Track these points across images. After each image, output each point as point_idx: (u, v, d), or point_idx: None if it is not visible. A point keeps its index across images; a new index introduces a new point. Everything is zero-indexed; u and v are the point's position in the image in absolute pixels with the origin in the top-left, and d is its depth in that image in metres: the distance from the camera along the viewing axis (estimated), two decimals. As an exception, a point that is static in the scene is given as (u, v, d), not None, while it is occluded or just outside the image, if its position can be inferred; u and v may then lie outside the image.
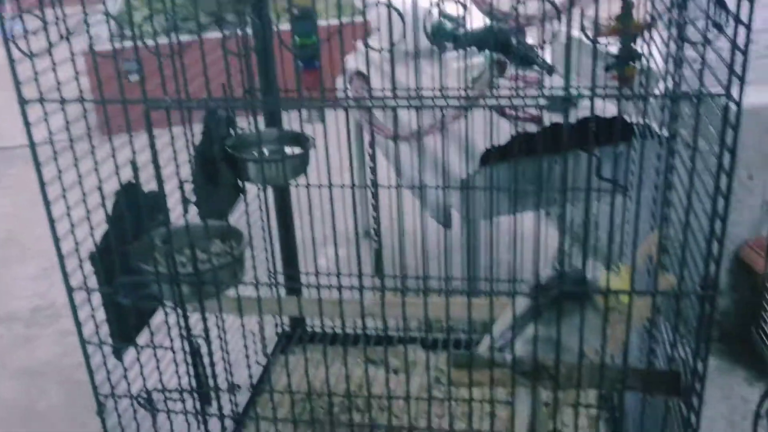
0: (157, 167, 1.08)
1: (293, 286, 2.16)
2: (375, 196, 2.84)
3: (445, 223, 2.47)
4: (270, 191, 2.14)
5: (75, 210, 1.18)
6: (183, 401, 1.18)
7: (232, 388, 1.10)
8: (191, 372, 1.22)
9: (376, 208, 2.86)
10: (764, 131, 2.47)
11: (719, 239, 0.91)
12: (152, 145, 1.06)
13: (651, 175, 1.51)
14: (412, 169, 2.28)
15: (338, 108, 1.15)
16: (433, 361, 2.16)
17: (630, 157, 1.86)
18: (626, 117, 1.79)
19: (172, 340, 1.14)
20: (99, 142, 1.23)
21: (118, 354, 1.26)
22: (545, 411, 1.27)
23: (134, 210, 1.23)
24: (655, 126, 1.62)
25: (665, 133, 1.40)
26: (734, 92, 0.85)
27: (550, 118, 2.25)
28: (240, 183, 1.74)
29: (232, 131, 1.69)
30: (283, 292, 2.15)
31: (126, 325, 1.22)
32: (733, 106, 0.83)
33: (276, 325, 2.20)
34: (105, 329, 1.28)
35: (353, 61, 2.89)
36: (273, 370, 1.97)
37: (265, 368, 2.01)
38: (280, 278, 2.19)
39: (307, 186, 1.74)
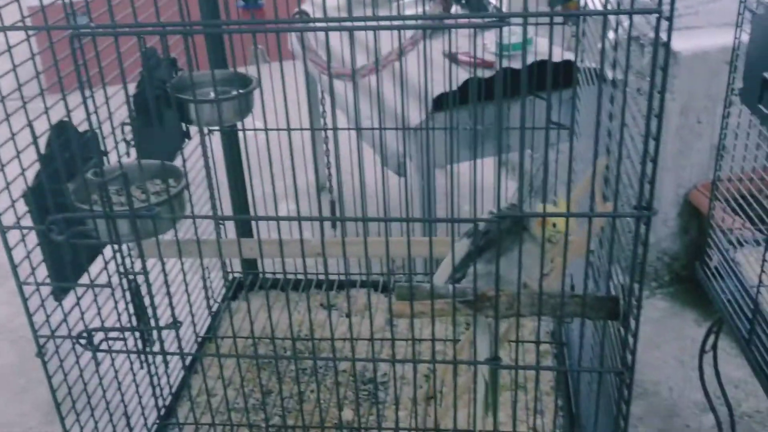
0: (85, 104, 1.05)
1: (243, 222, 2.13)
2: (331, 141, 2.82)
3: (399, 171, 2.47)
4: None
5: (4, 149, 1.15)
6: (125, 340, 1.17)
7: (175, 324, 1.09)
8: (132, 311, 1.20)
9: (329, 155, 2.85)
10: (712, 75, 2.50)
11: (653, 159, 0.92)
12: (79, 80, 1.02)
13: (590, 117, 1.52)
14: (371, 119, 2.26)
15: (281, 32, 1.13)
16: (385, 304, 2.18)
17: (577, 101, 1.86)
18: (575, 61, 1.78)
19: (110, 278, 1.12)
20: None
21: (58, 296, 1.23)
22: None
23: (68, 149, 1.20)
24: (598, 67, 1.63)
25: (610, 74, 1.41)
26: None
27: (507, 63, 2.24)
28: (184, 127, 1.71)
29: (174, 73, 1.66)
30: (232, 235, 2.14)
31: (64, 267, 1.20)
32: (664, 23, 0.83)
33: (228, 272, 2.19)
34: (44, 272, 1.26)
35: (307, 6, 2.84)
36: (223, 315, 1.97)
37: (215, 313, 2.00)
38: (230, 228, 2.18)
39: (255, 130, 1.72)
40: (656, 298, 2.78)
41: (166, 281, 1.10)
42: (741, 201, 1.79)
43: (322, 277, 2.25)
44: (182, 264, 1.13)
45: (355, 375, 1.18)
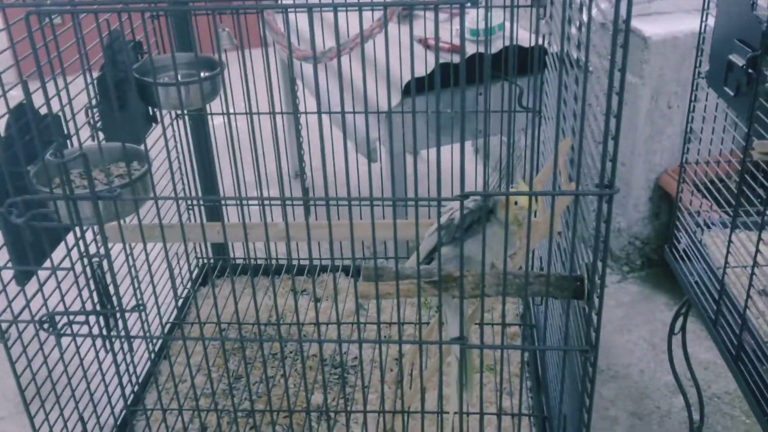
0: (44, 86, 1.03)
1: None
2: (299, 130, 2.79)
3: (370, 156, 2.46)
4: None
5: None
6: (88, 324, 1.15)
7: (138, 307, 1.08)
8: (95, 295, 1.19)
9: (299, 144, 2.83)
10: (681, 60, 2.51)
11: (614, 137, 0.92)
12: (37, 62, 1.00)
13: (567, 101, 1.52)
14: (342, 104, 2.25)
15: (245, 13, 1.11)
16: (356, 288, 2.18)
17: (545, 85, 1.87)
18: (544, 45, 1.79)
19: (72, 263, 1.11)
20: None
21: (20, 281, 1.22)
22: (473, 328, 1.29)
23: (29, 132, 1.18)
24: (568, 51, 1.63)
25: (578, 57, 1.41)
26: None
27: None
28: (151, 111, 1.69)
29: (138, 57, 1.64)
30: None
31: (26, 251, 1.18)
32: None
33: (197, 258, 2.18)
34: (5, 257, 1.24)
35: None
36: (192, 299, 1.96)
37: (183, 299, 1.99)
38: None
39: (224, 114, 1.70)
40: (627, 282, 2.80)
41: (128, 264, 1.09)
42: (709, 185, 1.80)
43: (294, 262, 2.24)
44: (146, 249, 1.11)
45: (321, 357, 1.18)
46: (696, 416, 2.02)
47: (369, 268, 1.14)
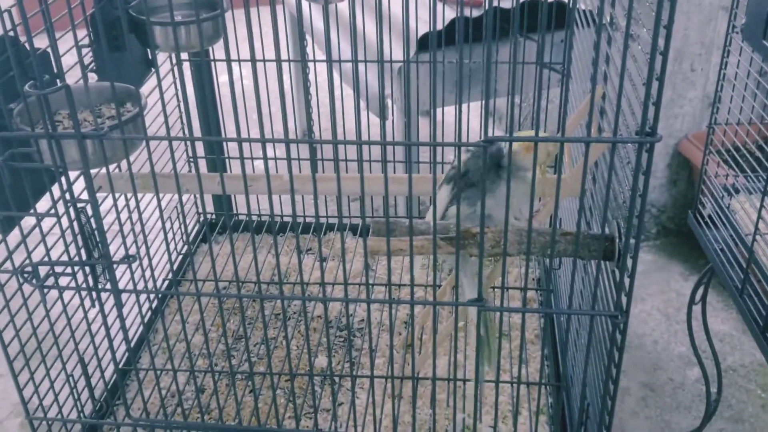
0: (25, 21, 0.93)
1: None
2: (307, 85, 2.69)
3: (382, 114, 2.36)
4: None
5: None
6: (74, 276, 1.07)
7: (127, 258, 0.99)
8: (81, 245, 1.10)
9: (311, 98, 2.73)
10: (707, 21, 2.39)
11: (659, 77, 0.82)
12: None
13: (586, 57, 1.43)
14: (354, 62, 2.14)
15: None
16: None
17: (571, 43, 1.76)
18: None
19: (57, 210, 1.02)
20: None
21: (4, 229, 1.13)
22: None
23: (17, 68, 1.08)
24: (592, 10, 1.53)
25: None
26: None
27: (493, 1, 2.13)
28: (150, 54, 1.58)
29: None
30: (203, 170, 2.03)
31: (6, 197, 1.09)
32: None
33: (198, 213, 2.09)
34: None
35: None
36: (191, 256, 1.88)
37: (183, 255, 1.90)
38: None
39: (227, 60, 1.60)
40: (642, 251, 2.71)
41: (116, 211, 1.00)
42: (734, 152, 1.71)
43: (300, 220, 2.16)
44: (136, 197, 1.02)
45: (326, 318, 1.09)
46: (713, 389, 1.95)
47: (380, 222, 1.05)
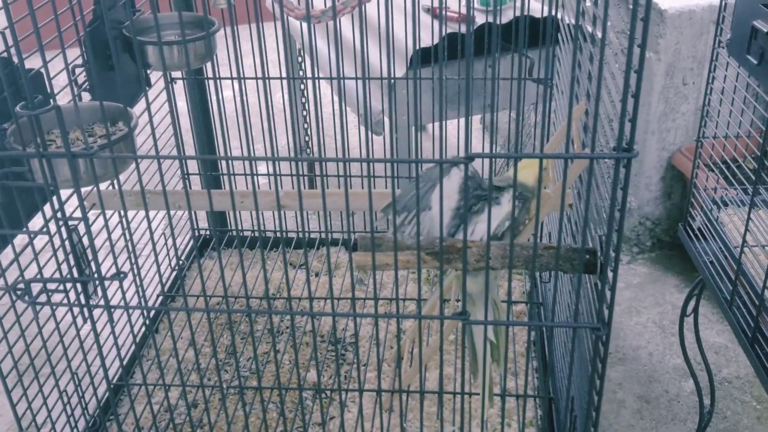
0: (15, 41, 0.95)
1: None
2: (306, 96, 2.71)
3: (375, 129, 2.38)
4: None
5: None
6: (65, 293, 1.08)
7: (118, 275, 1.01)
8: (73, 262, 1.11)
9: (306, 116, 2.76)
10: (698, 35, 2.42)
11: (634, 94, 0.84)
12: (7, 10, 0.93)
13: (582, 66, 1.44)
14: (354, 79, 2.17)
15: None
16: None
17: (557, 57, 1.78)
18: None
19: (49, 228, 1.03)
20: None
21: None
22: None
23: (8, 88, 1.11)
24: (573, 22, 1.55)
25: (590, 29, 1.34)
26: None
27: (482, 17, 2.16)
28: (145, 74, 1.61)
29: (132, 14, 1.55)
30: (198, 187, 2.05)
31: None
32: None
33: (192, 229, 2.11)
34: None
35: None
36: (186, 273, 1.90)
37: (175, 270, 1.92)
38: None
39: (216, 78, 1.63)
40: (637, 264, 2.73)
41: (107, 230, 1.02)
42: (721, 165, 1.72)
43: (292, 235, 2.18)
44: (126, 215, 1.04)
45: (314, 333, 1.10)
46: (706, 401, 1.95)
47: (365, 237, 1.07)
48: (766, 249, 1.56)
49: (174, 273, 1.95)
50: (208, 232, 2.17)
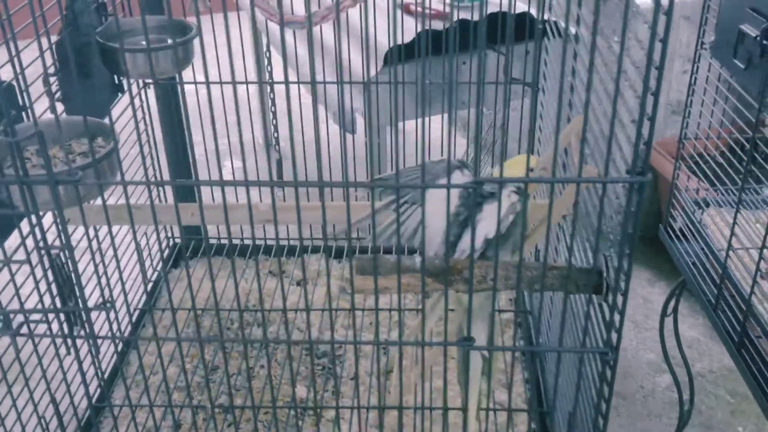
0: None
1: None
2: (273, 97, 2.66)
3: (348, 128, 2.33)
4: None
5: None
6: (48, 323, 1.03)
7: (105, 305, 0.96)
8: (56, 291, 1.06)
9: (274, 113, 2.70)
10: (672, 30, 2.42)
11: (651, 117, 0.81)
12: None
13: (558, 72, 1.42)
14: (323, 74, 2.11)
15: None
16: (339, 272, 2.06)
17: (541, 56, 1.76)
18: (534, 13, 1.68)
19: (29, 255, 0.98)
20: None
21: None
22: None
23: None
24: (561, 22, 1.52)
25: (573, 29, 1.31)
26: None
27: (458, 14, 2.12)
28: (117, 79, 1.54)
29: (103, 19, 1.48)
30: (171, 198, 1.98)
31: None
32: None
33: (168, 238, 2.04)
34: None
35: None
36: (162, 285, 1.83)
37: (154, 282, 1.86)
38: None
39: (195, 83, 1.57)
40: (609, 258, 2.74)
41: (91, 251, 0.96)
42: (702, 165, 1.72)
43: (270, 242, 2.12)
44: (111, 234, 0.98)
45: (289, 352, 1.06)
46: (685, 396, 1.97)
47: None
48: (750, 252, 1.56)
49: (150, 286, 1.89)
50: (174, 241, 2.10)
